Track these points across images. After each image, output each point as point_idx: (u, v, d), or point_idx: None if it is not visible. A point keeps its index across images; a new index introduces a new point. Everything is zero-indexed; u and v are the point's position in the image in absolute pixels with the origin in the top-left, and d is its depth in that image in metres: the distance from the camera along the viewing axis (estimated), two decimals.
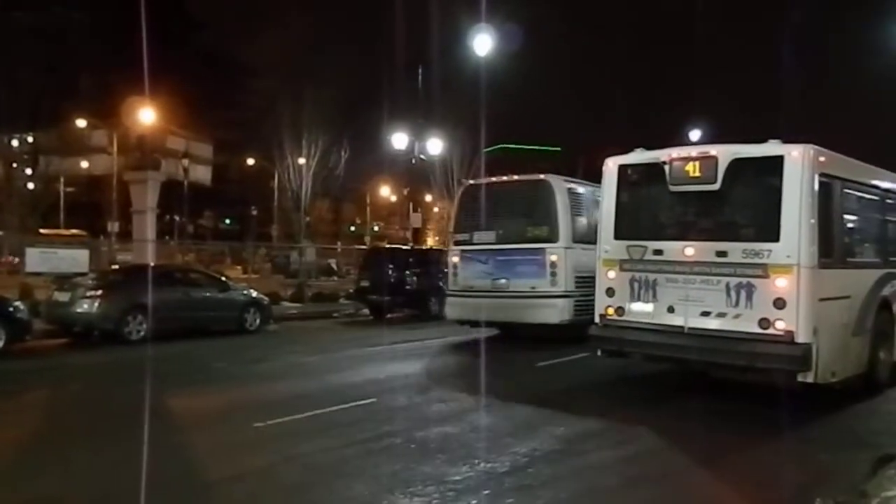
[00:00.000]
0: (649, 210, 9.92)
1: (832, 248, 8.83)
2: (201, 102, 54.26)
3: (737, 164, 8.78)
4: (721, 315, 8.64)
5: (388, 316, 20.60)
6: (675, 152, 9.29)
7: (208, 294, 16.33)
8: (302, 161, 31.76)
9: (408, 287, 20.46)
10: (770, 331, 8.31)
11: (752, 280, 8.43)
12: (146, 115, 27.63)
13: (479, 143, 36.17)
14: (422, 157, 29.77)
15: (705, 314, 8.76)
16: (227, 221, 73.63)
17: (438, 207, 53.63)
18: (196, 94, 51.65)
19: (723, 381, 10.13)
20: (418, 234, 39.89)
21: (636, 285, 9.41)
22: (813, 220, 8.39)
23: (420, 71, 28.91)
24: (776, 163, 8.52)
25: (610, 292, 9.70)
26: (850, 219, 9.64)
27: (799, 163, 8.42)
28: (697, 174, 9.00)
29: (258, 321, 16.84)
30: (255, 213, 64.89)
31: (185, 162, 31.55)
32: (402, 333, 16.87)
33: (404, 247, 27.20)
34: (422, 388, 10.01)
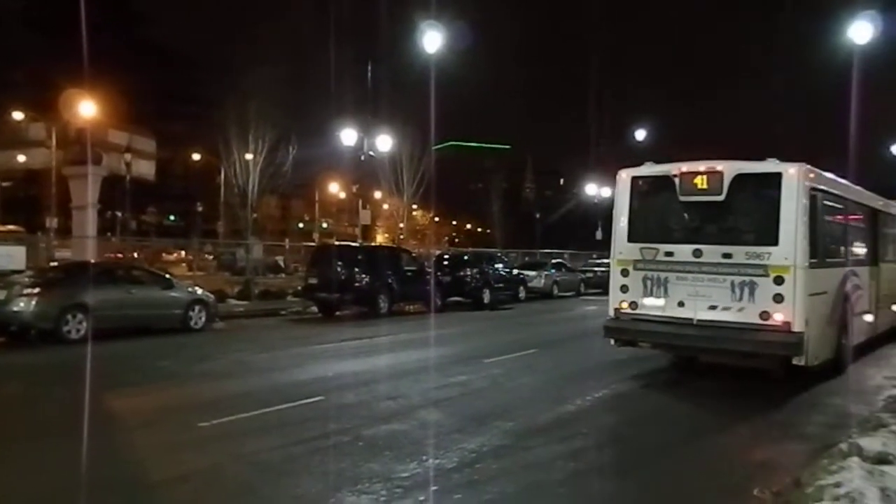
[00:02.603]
0: (660, 216, 11.09)
1: (817, 250, 10.18)
2: (145, 96, 53.05)
3: (740, 179, 10.08)
4: (727, 308, 9.85)
5: (337, 314, 20.49)
6: (685, 167, 10.47)
7: (151, 292, 15.99)
8: (249, 156, 31.29)
9: (357, 284, 20.36)
10: (770, 322, 9.59)
11: (754, 278, 9.72)
12: (86, 108, 26.84)
13: (429, 140, 36.22)
14: (371, 153, 29.63)
15: (713, 308, 9.96)
16: (172, 218, 72.16)
17: (388, 204, 53.51)
18: (139, 87, 50.46)
19: (676, 380, 10.34)
20: (368, 232, 39.72)
21: (648, 283, 10.59)
22: (805, 228, 9.76)
23: (369, 67, 28.77)
24: (775, 178, 9.87)
25: (624, 289, 10.84)
26: (828, 226, 11.06)
27: (795, 179, 9.80)
28: (705, 186, 10.24)
29: (203, 319, 16.56)
30: (200, 209, 63.73)
31: (128, 156, 30.76)
32: (351, 331, 16.79)
33: (353, 244, 27.05)
34: (370, 386, 9.97)
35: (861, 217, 13.14)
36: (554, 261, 33.91)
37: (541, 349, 14.00)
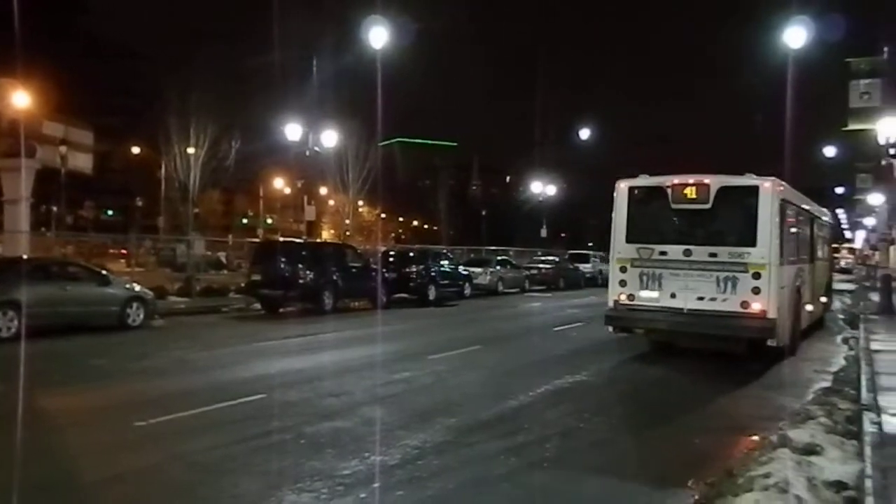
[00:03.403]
0: (655, 221, 12.69)
1: (783, 251, 12.07)
2: (82, 87, 51.54)
3: (724, 190, 11.97)
4: (713, 299, 11.72)
5: (281, 310, 20.26)
6: (677, 179, 12.32)
7: (87, 288, 15.55)
8: (191, 150, 30.71)
9: (301, 281, 20.16)
10: (749, 310, 11.51)
11: (736, 274, 11.62)
12: (19, 99, 25.92)
13: (375, 137, 36.09)
14: (316, 149, 29.36)
15: (700, 299, 11.79)
16: (110, 212, 70.28)
17: (334, 201, 53.12)
18: (76, 77, 49.01)
19: (618, 375, 10.52)
20: (313, 228, 39.35)
21: (644, 278, 12.36)
22: (777, 231, 11.72)
23: (314, 62, 28.50)
24: (753, 190, 11.81)
25: (622, 283, 12.59)
26: (789, 230, 12.91)
27: (769, 191, 11.78)
28: (694, 196, 12.10)
29: (141, 316, 16.18)
30: (140, 203, 62.17)
31: (63, 149, 29.80)
32: (295, 328, 16.63)
33: (298, 240, 26.75)
34: (314, 383, 9.90)
35: (806, 223, 15.22)
36: (499, 258, 34.13)
37: (485, 345, 14.09)
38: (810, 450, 6.27)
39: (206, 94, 30.22)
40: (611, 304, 12.75)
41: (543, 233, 48.44)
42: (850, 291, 35.86)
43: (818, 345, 15.49)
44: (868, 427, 6.90)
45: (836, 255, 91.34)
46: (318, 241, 34.36)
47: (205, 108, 29.97)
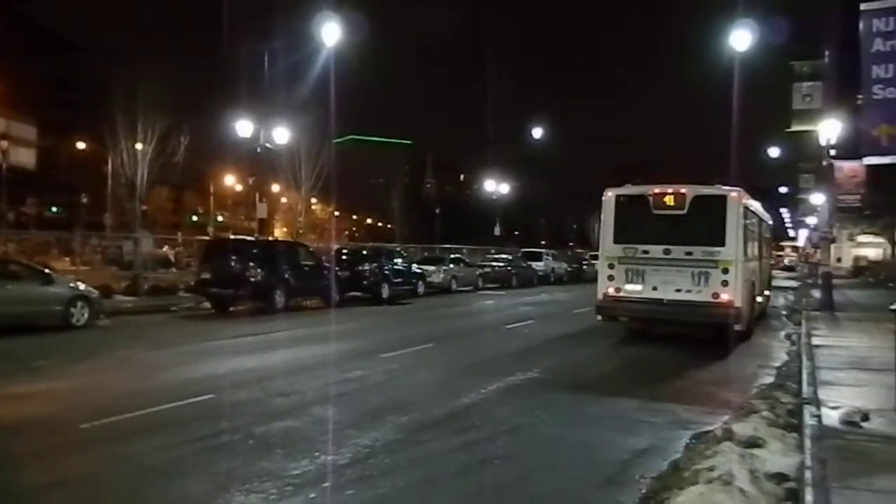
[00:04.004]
0: (638, 224, 14.45)
1: (746, 250, 14.30)
2: (25, 80, 50.03)
3: (697, 199, 14.08)
4: (688, 291, 13.73)
5: (231, 309, 19.99)
6: (657, 189, 14.39)
7: (28, 287, 15.12)
8: (139, 146, 30.05)
9: (252, 279, 19.91)
10: (719, 300, 13.55)
11: (708, 269, 13.65)
12: None
13: (328, 134, 35.81)
14: (268, 145, 28.99)
15: (678, 290, 13.79)
16: (55, 209, 68.42)
17: (286, 198, 52.57)
18: (18, 70, 47.55)
19: (570, 371, 10.61)
20: (265, 225, 38.90)
21: (629, 273, 14.29)
22: (742, 233, 13.91)
23: (266, 57, 28.14)
24: (722, 199, 14.01)
25: (610, 278, 14.50)
26: (748, 232, 14.91)
27: (736, 200, 14.01)
28: (672, 203, 14.16)
29: (86, 316, 15.79)
30: (85, 200, 60.63)
31: (5, 144, 28.97)
32: (246, 327, 16.43)
33: (248, 238, 26.41)
34: (264, 383, 9.79)
35: (757, 226, 16.92)
36: (453, 256, 34.21)
37: (438, 343, 14.11)
38: (753, 443, 6.43)
39: (155, 89, 29.61)
40: (600, 296, 14.65)
41: (497, 231, 48.64)
42: (793, 288, 36.90)
43: (763, 340, 15.89)
44: (808, 420, 7.11)
45: (780, 253, 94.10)
46: (270, 238, 33.96)
47: (153, 102, 29.36)
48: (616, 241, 14.56)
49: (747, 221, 14.74)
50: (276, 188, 52.21)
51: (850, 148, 19.98)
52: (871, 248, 64.90)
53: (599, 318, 14.94)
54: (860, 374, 9.77)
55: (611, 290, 14.47)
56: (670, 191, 14.26)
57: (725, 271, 13.55)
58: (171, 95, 30.88)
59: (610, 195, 14.92)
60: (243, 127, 27.47)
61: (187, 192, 69.82)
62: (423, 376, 10.81)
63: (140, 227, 30.35)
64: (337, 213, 71.61)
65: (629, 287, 14.26)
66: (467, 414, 8.32)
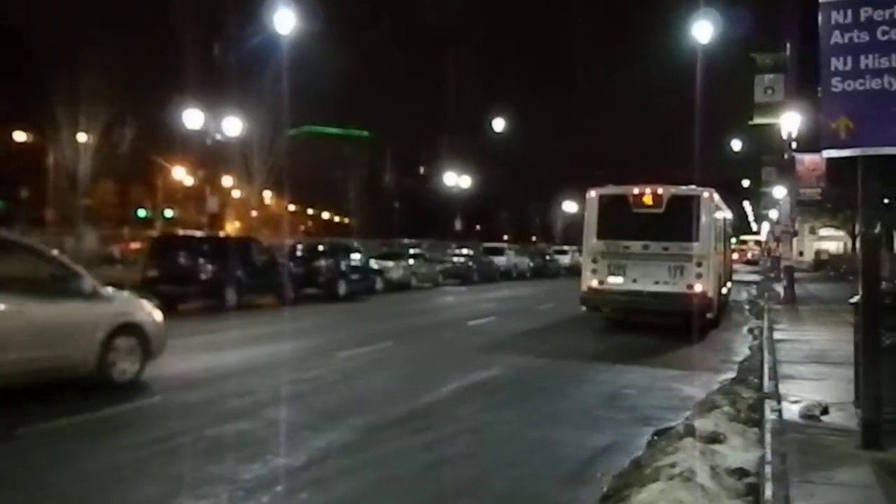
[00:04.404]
0: (619, 222, 15.86)
1: (715, 245, 16.08)
2: None
3: (673, 198, 15.68)
4: (666, 283, 15.25)
5: (181, 308, 19.68)
6: (636, 190, 15.90)
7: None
8: (81, 138, 29.45)
9: (202, 276, 19.65)
10: (692, 291, 15.10)
11: (683, 263, 15.18)
12: None
13: (282, 125, 35.48)
14: (218, 137, 28.62)
15: (656, 283, 15.31)
16: None
17: (239, 192, 51.93)
18: None
19: (531, 367, 10.69)
20: (216, 220, 38.40)
21: (612, 266, 15.73)
22: (712, 230, 15.66)
23: (216, 45, 27.77)
24: (696, 198, 15.69)
25: (594, 272, 15.93)
26: (718, 228, 16.76)
27: (708, 199, 15.75)
28: (651, 203, 15.68)
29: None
30: (25, 194, 59.11)
31: None
32: (196, 326, 16.19)
33: (198, 233, 26.05)
34: (216, 384, 9.68)
35: (722, 223, 18.58)
36: (412, 251, 34.22)
37: (396, 341, 14.09)
38: (715, 438, 6.55)
39: (99, 77, 29.01)
40: (584, 288, 16.17)
41: (458, 225, 48.80)
42: (755, 283, 37.68)
43: (725, 335, 16.25)
44: (769, 414, 7.28)
45: (743, 247, 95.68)
46: (221, 234, 33.54)
47: (97, 91, 28.77)
48: (599, 238, 16.03)
49: (716, 219, 16.51)
50: (228, 181, 51.55)
51: (811, 141, 20.52)
52: (832, 241, 66.60)
53: (584, 308, 16.60)
54: (820, 368, 10.03)
55: (594, 283, 15.94)
56: (648, 191, 15.82)
57: (699, 265, 15.13)
58: (117, 84, 30.29)
59: (593, 195, 16.42)
60: (193, 117, 27.08)
61: (134, 185, 68.53)
62: (382, 375, 10.80)
63: (83, 222, 29.73)
64: (292, 207, 71.00)
65: (611, 280, 15.77)
66: (427, 413, 8.34)
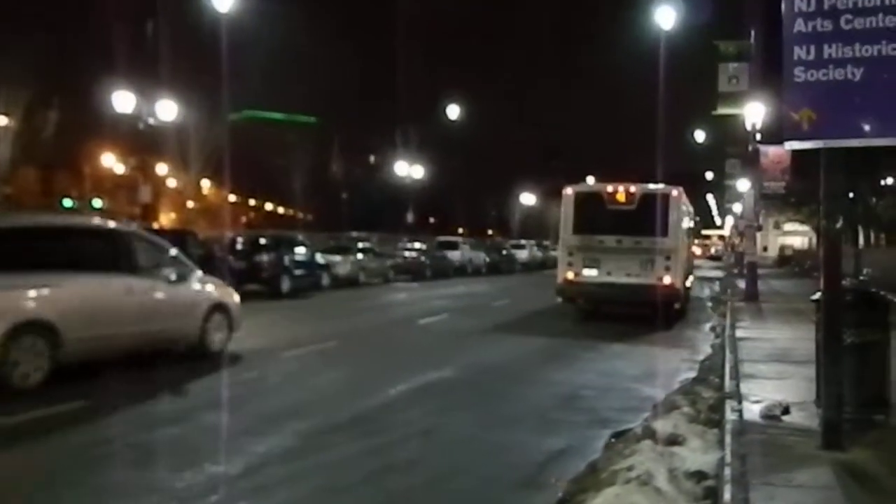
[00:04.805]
0: (594, 217, 17.60)
1: (682, 240, 18.13)
2: None
3: (645, 196, 17.59)
4: (637, 275, 16.98)
5: None
6: (610, 188, 17.82)
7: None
8: (2, 121, 28.67)
9: None
10: (662, 282, 16.92)
11: (653, 256, 17.01)
12: None
13: (222, 109, 34.97)
14: (151, 121, 28.08)
15: (628, 275, 17.04)
16: None
17: (175, 180, 51.14)
18: None
19: (484, 367, 10.74)
20: (149, 211, 37.74)
21: (587, 260, 17.47)
22: (680, 226, 17.61)
23: (149, 22, 27.24)
24: (666, 196, 17.63)
25: (570, 264, 17.67)
26: (684, 224, 18.72)
27: (678, 196, 17.75)
28: (623, 200, 17.54)
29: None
30: None
31: None
32: None
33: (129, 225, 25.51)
34: (147, 386, 9.51)
35: (687, 219, 20.24)
36: (361, 245, 34.08)
37: (343, 341, 14.04)
38: (673, 440, 6.68)
39: (19, 56, 28.24)
40: (560, 280, 17.99)
41: (409, 218, 48.75)
42: (718, 279, 38.44)
43: (687, 333, 16.57)
44: (729, 415, 7.43)
45: (706, 242, 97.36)
46: (154, 226, 32.97)
47: (16, 71, 28.00)
48: (575, 232, 17.83)
49: (684, 215, 18.54)
50: (162, 169, 50.71)
51: (776, 132, 20.98)
52: (797, 236, 68.30)
53: (559, 300, 18.42)
54: (782, 367, 10.28)
55: (570, 275, 17.72)
56: (622, 189, 17.69)
57: (667, 258, 17.05)
58: (40, 64, 29.51)
59: (570, 192, 18.36)
60: (123, 100, 26.53)
61: (59, 172, 66.93)
62: (327, 377, 10.75)
63: (2, 211, 28.94)
64: (232, 198, 70.11)
65: (586, 272, 17.52)
66: (374, 416, 8.33)
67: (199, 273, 11.98)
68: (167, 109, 29.36)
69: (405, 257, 35.90)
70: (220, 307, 11.96)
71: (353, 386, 10.02)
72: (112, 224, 11.88)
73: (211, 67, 31.84)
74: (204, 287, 11.97)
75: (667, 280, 16.97)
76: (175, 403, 8.66)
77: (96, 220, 12.73)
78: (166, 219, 56.22)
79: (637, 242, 17.20)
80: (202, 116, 36.37)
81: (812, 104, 6.14)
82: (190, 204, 41.56)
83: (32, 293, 9.09)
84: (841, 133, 6.16)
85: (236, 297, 12.65)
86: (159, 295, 10.82)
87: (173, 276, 11.14)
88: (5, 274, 8.86)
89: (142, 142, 32.27)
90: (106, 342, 9.82)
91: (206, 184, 57.45)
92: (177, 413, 8.22)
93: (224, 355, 11.51)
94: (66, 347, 9.18)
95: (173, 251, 11.63)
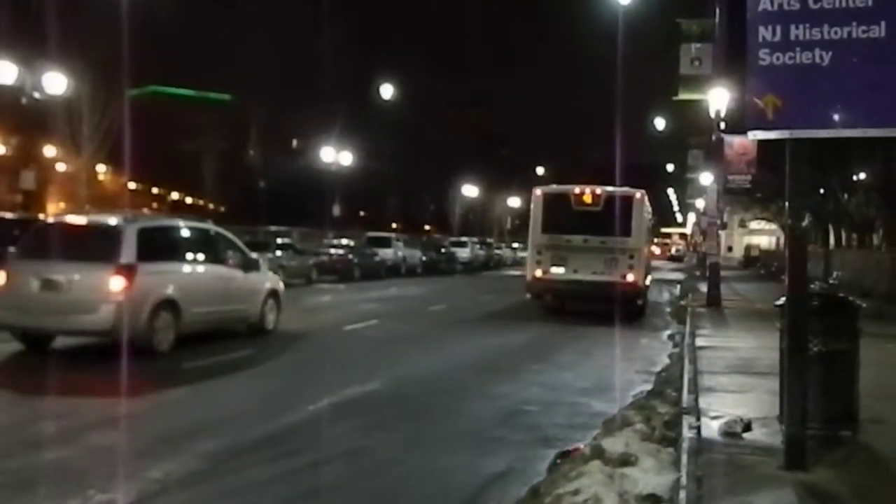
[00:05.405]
0: (561, 218, 20.67)
1: (645, 240, 22.02)
2: None
3: (610, 197, 20.72)
4: (602, 273, 19.96)
5: None
6: (577, 190, 21.10)
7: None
8: None
9: None
10: (625, 280, 19.98)
11: (618, 255, 20.00)
12: None
13: (121, 84, 34.16)
14: (36, 95, 27.29)
15: (594, 273, 19.99)
16: None
17: (65, 165, 49.81)
18: None
19: (413, 380, 10.71)
20: (33, 199, 36.71)
21: (554, 258, 20.45)
22: (643, 226, 20.96)
23: None
24: (630, 198, 20.88)
25: (539, 262, 20.72)
26: (646, 225, 22.07)
27: (641, 199, 21.03)
28: (590, 201, 20.70)
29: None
30: None
31: None
32: None
33: (8, 215, 24.80)
34: (28, 402, 9.28)
35: (649, 219, 24.08)
36: (280, 241, 33.70)
37: (257, 349, 13.89)
38: (625, 460, 6.76)
39: None
40: (529, 277, 21.09)
41: (336, 211, 48.46)
42: (678, 281, 39.17)
43: (643, 341, 16.87)
44: (686, 432, 7.56)
45: (666, 241, 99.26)
46: (41, 217, 32.04)
47: None
48: (543, 232, 20.87)
49: (646, 217, 21.75)
50: (50, 152, 49.38)
51: (739, 121, 21.39)
52: (763, 235, 69.99)
53: (528, 296, 21.53)
54: (745, 379, 10.54)
55: (539, 273, 20.67)
56: (588, 191, 20.91)
57: (631, 257, 20.10)
58: None
59: (539, 193, 21.73)
60: (2, 70, 25.72)
61: None
62: (237, 391, 10.65)
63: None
64: (132, 186, 68.74)
65: (554, 270, 20.44)
66: (291, 436, 8.25)
67: (262, 264, 16.32)
68: (56, 82, 28.54)
69: (331, 255, 35.66)
70: (273, 293, 15.78)
71: (267, 402, 9.92)
72: (208, 224, 16.24)
73: (110, 35, 31.08)
74: (263, 276, 15.95)
75: (630, 278, 19.97)
76: (60, 423, 8.41)
77: (199, 222, 16.15)
78: (54, 208, 54.83)
79: (602, 242, 20.10)
80: (98, 91, 35.43)
81: (777, 90, 6.25)
82: (82, 192, 40.45)
83: (166, 277, 12.88)
84: (808, 122, 6.29)
85: (282, 285, 16.77)
86: (237, 281, 14.63)
87: (246, 267, 15.03)
88: (148, 262, 12.34)
89: (26, 119, 31.36)
90: (206, 318, 13.62)
91: (102, 169, 56.14)
92: (62, 433, 7.96)
93: (276, 333, 15.46)
94: (184, 321, 12.82)
95: (243, 246, 15.66)
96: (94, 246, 12.33)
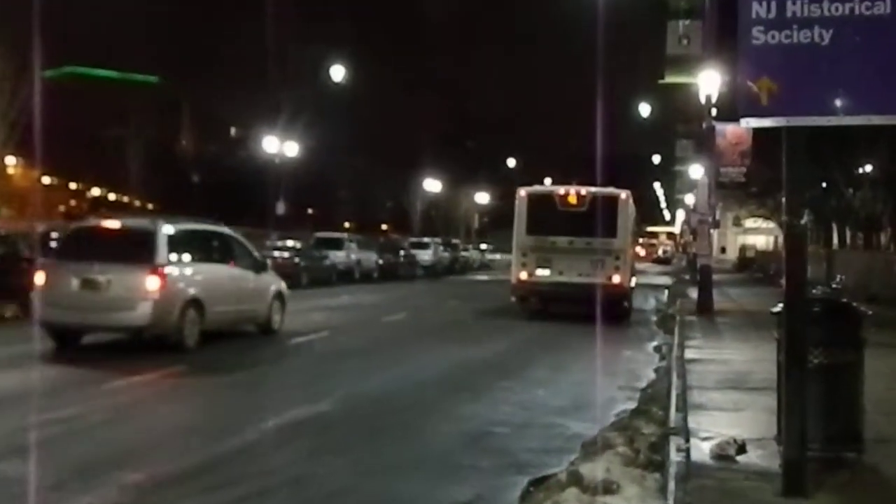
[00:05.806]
0: (547, 219, 22.63)
1: (630, 241, 23.97)
2: None
3: (595, 198, 22.74)
4: (588, 275, 21.71)
5: None
6: (562, 190, 23.51)
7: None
8: None
9: None
10: (611, 282, 21.85)
11: (603, 257, 22.00)
12: None
13: (33, 63, 33.78)
14: None
15: (580, 275, 21.81)
16: None
17: None
18: None
19: (372, 397, 10.69)
20: None
21: (540, 260, 22.36)
22: (629, 227, 23.29)
23: None
24: (615, 199, 23.07)
25: (524, 265, 22.63)
26: (631, 226, 24.03)
27: (626, 199, 23.33)
28: (575, 202, 22.76)
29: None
30: None
31: None
32: None
33: None
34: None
35: (634, 220, 25.53)
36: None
37: (190, 366, 13.78)
38: (605, 488, 6.81)
39: None
40: (514, 280, 23.11)
41: (281, 208, 48.23)
42: (666, 287, 39.41)
43: (627, 353, 16.95)
44: (674, 456, 7.61)
45: (652, 241, 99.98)
46: None
47: None
48: (528, 233, 22.80)
49: (630, 218, 23.54)
50: None
51: (731, 107, 21.57)
52: (760, 234, 70.56)
53: (513, 299, 23.50)
54: (739, 395, 10.64)
55: (524, 275, 22.60)
56: (573, 192, 23.04)
57: (617, 258, 22.07)
58: None
59: (523, 194, 23.70)
60: None
61: None
62: (168, 412, 10.62)
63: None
64: (47, 180, 67.91)
65: (539, 272, 22.36)
66: (229, 463, 8.20)
67: (269, 266, 19.13)
68: None
69: (274, 258, 35.39)
70: (278, 294, 18.22)
71: (202, 424, 9.90)
72: (224, 228, 17.96)
73: (21, 7, 30.71)
74: (271, 278, 18.33)
75: (616, 279, 21.98)
76: None
77: (216, 227, 17.92)
78: None
79: (588, 243, 22.14)
80: (6, 72, 34.99)
81: (772, 73, 6.27)
82: None
83: (192, 278, 15.30)
84: (806, 108, 6.32)
85: (285, 286, 18.87)
86: (250, 282, 17.14)
87: (256, 268, 17.63)
88: (177, 264, 14.86)
89: None
90: (224, 316, 16.04)
91: (10, 161, 55.35)
92: None
93: (280, 333, 17.85)
94: (207, 318, 15.09)
95: (252, 248, 18.37)
96: (130, 248, 14.70)
